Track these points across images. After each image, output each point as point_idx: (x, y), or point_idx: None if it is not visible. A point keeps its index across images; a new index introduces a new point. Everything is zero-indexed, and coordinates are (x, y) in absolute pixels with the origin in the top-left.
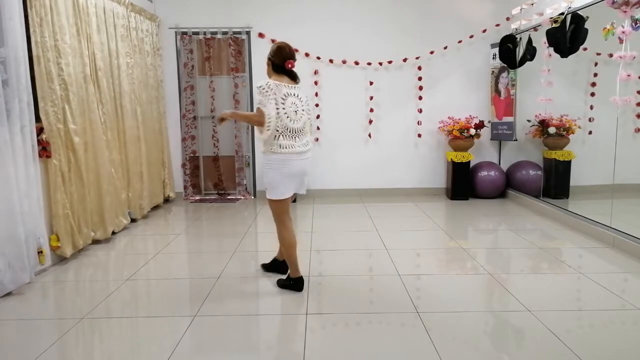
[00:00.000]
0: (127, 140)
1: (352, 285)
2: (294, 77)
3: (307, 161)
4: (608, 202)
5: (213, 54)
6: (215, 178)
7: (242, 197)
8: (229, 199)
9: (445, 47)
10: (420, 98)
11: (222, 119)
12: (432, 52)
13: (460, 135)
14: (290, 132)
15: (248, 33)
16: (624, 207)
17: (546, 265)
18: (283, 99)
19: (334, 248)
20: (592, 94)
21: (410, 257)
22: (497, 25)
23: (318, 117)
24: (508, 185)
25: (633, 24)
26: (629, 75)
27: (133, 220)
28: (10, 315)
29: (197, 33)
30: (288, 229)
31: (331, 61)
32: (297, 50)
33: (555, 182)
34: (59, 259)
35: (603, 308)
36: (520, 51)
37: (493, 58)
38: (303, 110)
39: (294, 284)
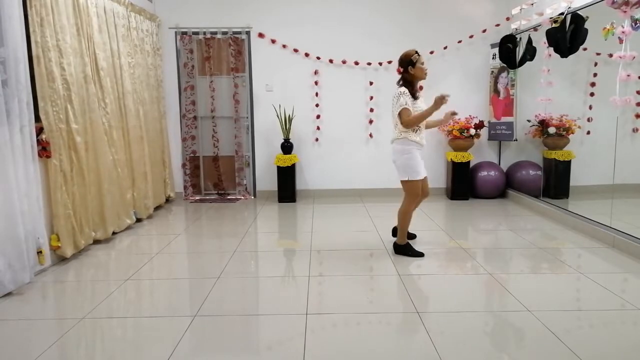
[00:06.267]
0: (131, 140)
1: (352, 285)
2: None
3: (392, 150)
4: (608, 202)
5: (213, 54)
6: (215, 178)
7: (242, 197)
8: (228, 199)
9: (445, 47)
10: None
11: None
12: (432, 52)
13: (460, 135)
14: None
15: (248, 33)
16: (624, 207)
17: (546, 265)
18: None
19: (334, 248)
20: (592, 94)
21: (410, 257)
22: (497, 25)
23: (318, 117)
24: (508, 185)
25: (633, 24)
26: (628, 75)
27: (138, 220)
28: (10, 315)
29: (197, 33)
30: (414, 204)
31: (331, 61)
32: (296, 51)
33: (555, 182)
34: (59, 259)
35: (603, 308)
36: (520, 51)
37: (493, 58)
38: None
39: (403, 248)
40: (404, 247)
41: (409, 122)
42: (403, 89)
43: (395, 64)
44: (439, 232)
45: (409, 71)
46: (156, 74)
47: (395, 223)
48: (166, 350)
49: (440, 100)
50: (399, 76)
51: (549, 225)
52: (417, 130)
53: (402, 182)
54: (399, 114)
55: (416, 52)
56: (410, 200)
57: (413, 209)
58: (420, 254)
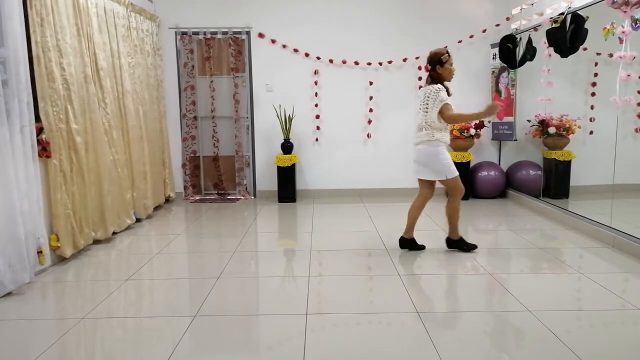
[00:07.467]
0: (131, 140)
1: (352, 285)
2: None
3: (418, 152)
4: (608, 202)
5: (213, 54)
6: (215, 178)
7: (242, 197)
8: (229, 199)
9: (446, 47)
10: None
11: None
12: None
13: (460, 135)
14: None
15: (248, 33)
16: (624, 207)
17: (546, 265)
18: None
19: (333, 248)
20: (593, 94)
21: (410, 257)
22: (497, 25)
23: (318, 117)
24: (508, 185)
25: (633, 24)
26: (629, 75)
27: (138, 220)
28: (10, 315)
29: (197, 33)
30: (460, 199)
31: (331, 61)
32: (296, 50)
33: (555, 182)
34: (59, 259)
35: (603, 308)
36: (520, 51)
37: (493, 58)
38: (419, 108)
39: (457, 243)
40: (458, 242)
41: (452, 117)
42: (438, 85)
43: (396, 64)
44: (439, 232)
45: (437, 70)
46: (156, 74)
47: (393, 223)
48: (166, 350)
49: (491, 110)
50: (416, 75)
51: (549, 225)
52: (447, 127)
53: (442, 181)
54: (441, 110)
55: (447, 52)
56: (457, 196)
57: (460, 204)
58: (474, 247)
